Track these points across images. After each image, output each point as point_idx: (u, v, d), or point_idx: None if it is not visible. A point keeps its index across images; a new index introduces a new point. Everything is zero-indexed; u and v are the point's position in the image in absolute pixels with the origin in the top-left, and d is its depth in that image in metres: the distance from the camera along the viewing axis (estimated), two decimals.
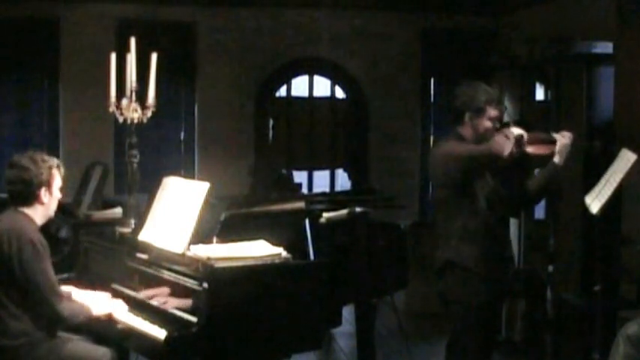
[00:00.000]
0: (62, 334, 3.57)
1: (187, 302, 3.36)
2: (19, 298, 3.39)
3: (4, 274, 3.38)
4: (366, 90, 8.64)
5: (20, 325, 3.39)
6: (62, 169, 3.63)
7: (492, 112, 3.80)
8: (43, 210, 3.55)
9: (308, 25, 8.30)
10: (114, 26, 7.79)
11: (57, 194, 3.60)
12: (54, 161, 3.58)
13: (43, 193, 3.51)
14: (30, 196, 3.50)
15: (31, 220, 3.51)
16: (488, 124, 3.80)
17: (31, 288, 3.36)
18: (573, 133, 3.87)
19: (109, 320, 3.56)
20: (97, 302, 3.61)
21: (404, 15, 8.40)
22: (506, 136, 3.62)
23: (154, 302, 3.52)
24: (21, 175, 3.48)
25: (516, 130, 3.67)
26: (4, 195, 3.63)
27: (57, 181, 3.58)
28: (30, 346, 3.40)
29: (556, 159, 3.83)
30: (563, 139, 3.82)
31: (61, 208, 3.76)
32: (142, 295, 3.61)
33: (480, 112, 3.78)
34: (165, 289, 3.52)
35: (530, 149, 3.78)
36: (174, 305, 3.43)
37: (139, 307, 3.59)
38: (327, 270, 3.66)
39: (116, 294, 3.74)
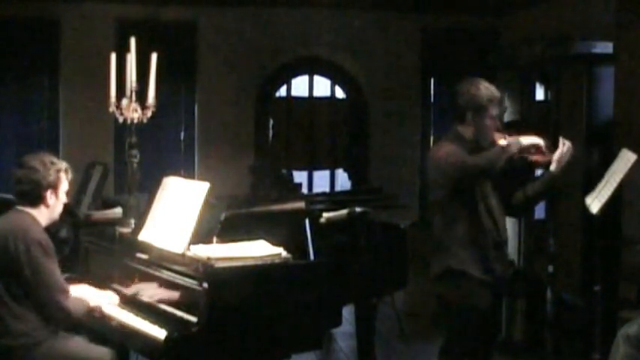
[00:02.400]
0: (63, 333, 3.57)
1: (174, 295, 3.37)
2: (23, 297, 3.41)
3: (9, 274, 3.39)
4: (366, 90, 8.64)
5: (21, 325, 3.39)
6: (70, 174, 3.66)
7: (494, 110, 3.77)
8: (47, 212, 3.58)
9: (308, 25, 8.30)
10: (114, 26, 7.79)
11: (63, 198, 3.63)
12: (62, 165, 3.62)
13: (49, 195, 3.54)
14: (36, 197, 3.53)
15: (35, 221, 3.53)
16: (489, 122, 3.77)
17: (40, 286, 3.39)
18: (573, 144, 3.84)
19: (99, 316, 3.60)
20: (89, 294, 3.65)
21: (404, 15, 8.40)
22: (506, 149, 3.62)
23: (170, 309, 3.51)
24: (29, 176, 3.51)
25: (528, 140, 3.65)
26: (4, 195, 3.64)
27: (64, 185, 3.62)
28: (30, 345, 3.40)
29: (553, 167, 3.80)
30: (561, 147, 3.78)
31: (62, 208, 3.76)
32: (157, 298, 3.60)
33: (481, 110, 3.74)
34: (154, 284, 3.52)
35: (528, 156, 3.76)
36: (161, 299, 3.44)
37: (138, 306, 3.59)
38: (327, 270, 3.66)
39: (116, 294, 3.74)
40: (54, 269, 3.45)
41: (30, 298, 3.40)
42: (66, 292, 3.48)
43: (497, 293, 3.85)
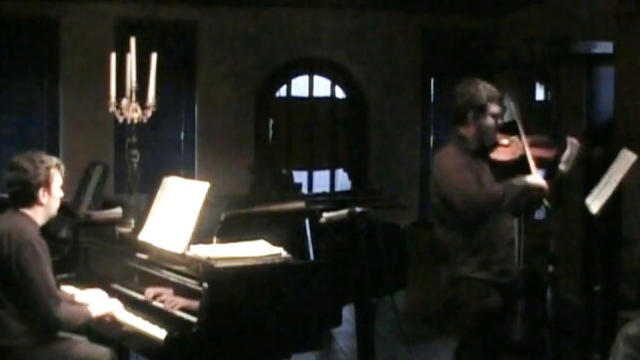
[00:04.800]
0: (62, 334, 3.55)
1: (194, 304, 3.34)
2: (18, 298, 3.36)
3: (4, 276, 3.36)
4: (366, 90, 8.65)
5: (20, 325, 3.37)
6: (62, 168, 3.60)
7: (494, 108, 3.75)
8: (43, 210, 3.53)
9: (308, 25, 8.30)
10: (114, 26, 7.80)
11: (57, 193, 3.57)
12: (52, 161, 3.55)
13: (42, 193, 3.48)
14: (29, 198, 3.48)
15: (31, 221, 3.49)
16: (490, 121, 3.75)
17: (29, 290, 3.33)
18: (578, 140, 3.84)
19: (110, 321, 3.55)
20: (95, 302, 3.60)
21: (404, 15, 8.40)
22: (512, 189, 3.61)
23: (160, 304, 3.49)
24: (19, 177, 3.46)
25: (534, 180, 3.65)
26: (4, 195, 3.62)
27: (57, 181, 3.55)
28: (29, 346, 3.38)
29: (562, 167, 3.80)
30: (571, 147, 3.78)
31: (61, 208, 3.74)
32: (147, 293, 3.59)
33: (482, 109, 3.73)
34: (170, 290, 3.51)
35: (533, 152, 3.76)
36: (181, 306, 3.41)
37: (138, 307, 3.58)
38: (327, 270, 3.66)
39: (116, 294, 3.74)
40: (45, 273, 3.36)
41: (23, 299, 3.34)
42: (56, 297, 3.38)
43: (509, 296, 3.82)
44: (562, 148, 3.80)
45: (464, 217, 3.63)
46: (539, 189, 3.67)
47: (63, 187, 3.62)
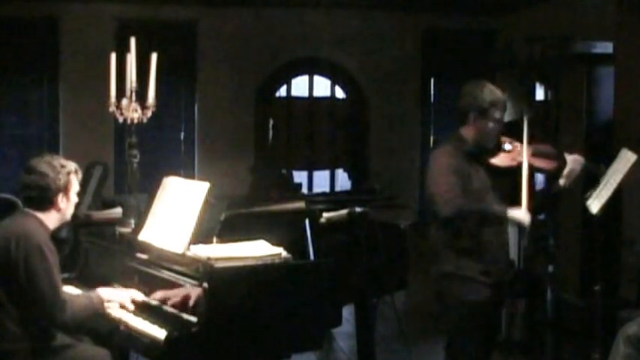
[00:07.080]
0: (62, 336, 3.54)
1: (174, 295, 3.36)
2: (22, 302, 3.33)
3: (9, 278, 3.32)
4: (366, 90, 8.65)
5: (21, 329, 3.33)
6: (80, 174, 3.58)
7: (497, 114, 3.75)
8: (58, 215, 3.50)
9: (308, 25, 8.31)
10: (114, 26, 7.80)
11: (74, 199, 3.54)
12: (72, 166, 3.52)
13: (60, 199, 3.45)
14: (47, 203, 3.44)
15: (42, 225, 3.44)
16: (491, 125, 3.76)
17: (35, 295, 3.30)
18: (573, 148, 3.86)
19: (115, 321, 3.51)
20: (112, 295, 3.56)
21: (404, 15, 8.40)
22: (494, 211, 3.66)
23: (170, 309, 3.48)
24: (38, 182, 3.41)
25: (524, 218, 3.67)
26: (4, 195, 3.61)
27: (74, 187, 3.53)
28: (30, 349, 3.35)
29: (562, 181, 3.82)
30: (572, 163, 3.80)
31: None
32: (157, 298, 3.58)
33: (484, 113, 3.74)
34: (177, 292, 3.49)
35: (533, 161, 3.77)
36: (160, 299, 3.41)
37: (138, 307, 3.58)
38: (327, 270, 3.66)
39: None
40: (52, 279, 3.32)
41: (27, 303, 3.31)
42: (62, 302, 3.34)
43: (497, 294, 3.85)
44: (563, 162, 3.81)
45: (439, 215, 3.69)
46: (516, 222, 3.72)
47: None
